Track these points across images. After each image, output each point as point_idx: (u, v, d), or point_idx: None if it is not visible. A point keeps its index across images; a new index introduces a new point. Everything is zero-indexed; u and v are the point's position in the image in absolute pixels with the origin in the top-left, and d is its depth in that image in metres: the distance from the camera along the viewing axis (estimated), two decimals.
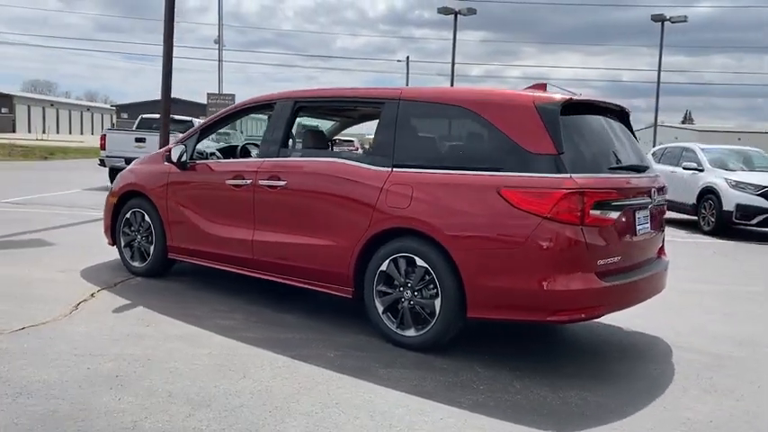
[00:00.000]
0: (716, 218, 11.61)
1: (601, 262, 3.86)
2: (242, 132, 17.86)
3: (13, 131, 61.33)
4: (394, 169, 4.33)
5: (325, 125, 6.45)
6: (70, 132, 76.10)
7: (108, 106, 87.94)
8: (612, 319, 5.13)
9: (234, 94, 44.51)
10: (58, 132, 73.42)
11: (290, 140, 5.35)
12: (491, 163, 4.02)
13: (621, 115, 4.72)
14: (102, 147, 14.74)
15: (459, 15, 33.16)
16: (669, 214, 13.35)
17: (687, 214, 12.67)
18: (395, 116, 4.46)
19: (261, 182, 4.97)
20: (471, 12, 32.96)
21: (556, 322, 3.91)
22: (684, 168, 12.75)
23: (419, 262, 4.14)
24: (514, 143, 3.94)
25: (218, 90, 43.30)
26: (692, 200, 12.26)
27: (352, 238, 4.42)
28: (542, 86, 4.62)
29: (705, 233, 11.73)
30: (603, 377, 3.98)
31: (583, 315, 3.87)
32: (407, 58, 50.27)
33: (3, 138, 41.41)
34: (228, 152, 6.06)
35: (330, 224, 4.57)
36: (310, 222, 4.70)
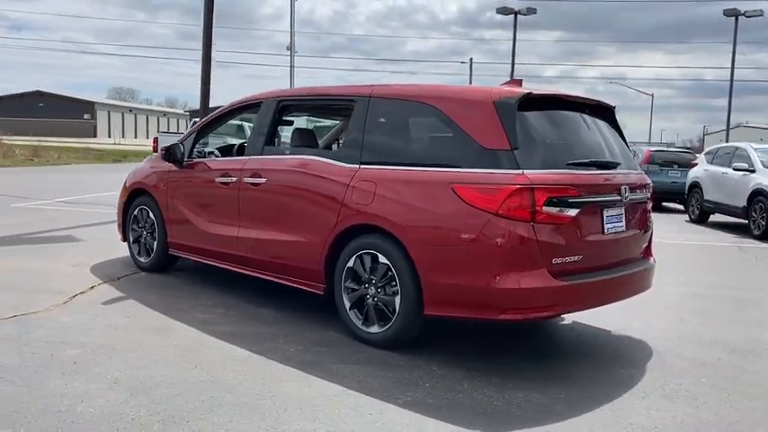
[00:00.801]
0: (766, 222, 10.99)
1: (557, 260, 3.75)
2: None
3: (94, 136, 64.63)
4: (361, 166, 4.34)
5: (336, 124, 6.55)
6: (147, 137, 79.53)
7: (182, 112, 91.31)
8: (604, 321, 5.02)
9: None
10: (135, 137, 76.90)
11: (276, 139, 5.44)
12: (449, 159, 3.98)
13: (603, 111, 4.58)
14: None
15: (523, 15, 32.71)
16: (719, 218, 12.93)
17: (737, 217, 12.06)
18: (365, 113, 4.48)
19: (245, 179, 5.09)
20: (531, 11, 32.44)
21: (508, 321, 3.82)
22: (735, 169, 12.14)
23: (381, 259, 4.13)
24: (471, 139, 3.88)
25: None
26: (742, 202, 11.66)
27: (322, 234, 4.46)
28: (518, 82, 4.52)
29: (755, 237, 11.11)
30: (564, 379, 3.85)
31: (535, 314, 3.77)
32: (470, 59, 49.91)
33: (82, 142, 43.74)
34: (228, 151, 6.21)
35: (303, 220, 4.64)
36: (286, 219, 4.78)
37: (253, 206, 5.06)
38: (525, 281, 3.66)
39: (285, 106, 5.19)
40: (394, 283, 4.08)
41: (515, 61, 33.18)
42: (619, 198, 4.09)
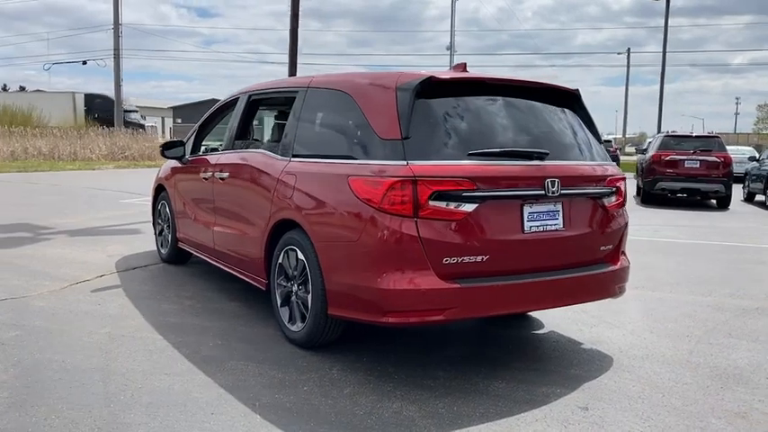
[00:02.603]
0: None
1: (449, 260, 3.38)
2: None
3: None
4: (292, 159, 4.23)
5: None
6: None
7: None
8: (578, 330, 4.51)
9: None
10: None
11: (249, 133, 5.45)
12: (353, 151, 3.75)
13: (559, 96, 4.07)
14: None
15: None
16: None
17: None
18: (301, 104, 4.36)
19: (216, 174, 5.17)
20: None
21: (394, 325, 3.50)
22: None
23: (299, 255, 4.00)
24: (371, 128, 3.62)
25: None
26: None
27: (261, 229, 4.41)
28: (461, 66, 4.16)
29: None
30: (471, 393, 3.45)
31: (421, 318, 3.41)
32: (628, 50, 46.92)
33: None
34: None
35: (248, 215, 4.63)
36: (238, 213, 4.80)
37: (220, 200, 5.13)
38: (407, 282, 3.34)
39: (254, 101, 5.19)
40: (308, 281, 3.92)
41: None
42: (542, 192, 3.59)
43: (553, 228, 3.69)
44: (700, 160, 14.52)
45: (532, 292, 3.62)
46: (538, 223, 3.63)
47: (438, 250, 3.35)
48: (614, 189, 3.99)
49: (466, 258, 3.41)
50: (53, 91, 44.96)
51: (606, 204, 3.95)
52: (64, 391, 3.32)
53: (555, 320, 4.84)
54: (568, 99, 4.13)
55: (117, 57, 35.92)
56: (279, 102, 5.20)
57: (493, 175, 3.47)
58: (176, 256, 6.37)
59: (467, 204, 3.39)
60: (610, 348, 4.28)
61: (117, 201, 12.26)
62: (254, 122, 6.08)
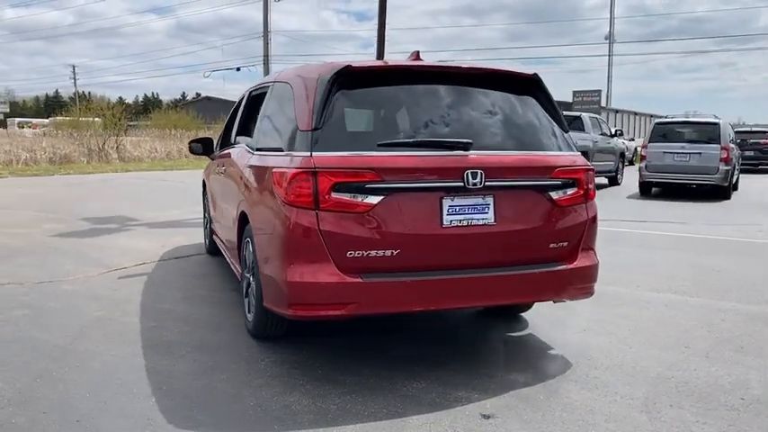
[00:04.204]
0: None
1: (353, 254, 3.28)
2: None
3: None
4: (255, 153, 4.33)
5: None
6: None
7: None
8: (559, 335, 4.24)
9: (600, 90, 43.05)
10: None
11: (248, 128, 5.60)
12: (284, 143, 3.75)
13: (509, 82, 3.81)
14: None
15: None
16: None
17: None
18: (266, 99, 4.46)
19: (219, 169, 5.41)
20: None
21: (298, 318, 3.44)
22: None
23: (250, 247, 4.09)
24: (296, 120, 3.62)
25: (607, 89, 42.39)
26: None
27: (234, 221, 4.56)
28: (415, 54, 4.03)
29: None
30: (378, 393, 3.34)
31: (323, 312, 3.33)
32: None
33: None
34: None
35: (230, 208, 4.80)
36: (227, 206, 5.00)
37: (219, 194, 5.38)
38: (308, 275, 3.29)
39: (253, 96, 5.34)
40: (255, 273, 4.00)
41: None
42: (461, 185, 3.37)
43: (481, 222, 3.45)
44: None
45: (450, 290, 3.42)
46: (461, 217, 3.41)
47: (340, 243, 3.27)
48: (566, 181, 3.65)
49: (372, 252, 3.30)
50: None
51: (555, 198, 3.62)
52: (18, 360, 3.67)
53: (542, 323, 4.53)
54: (526, 86, 3.84)
55: (266, 63, 38.28)
56: (263, 97, 5.32)
57: (401, 166, 3.32)
58: (215, 247, 6.71)
59: (371, 197, 3.28)
60: (578, 355, 3.93)
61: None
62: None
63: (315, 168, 3.27)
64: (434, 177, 3.37)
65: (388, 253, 3.32)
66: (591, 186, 3.79)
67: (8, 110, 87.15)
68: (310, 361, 3.79)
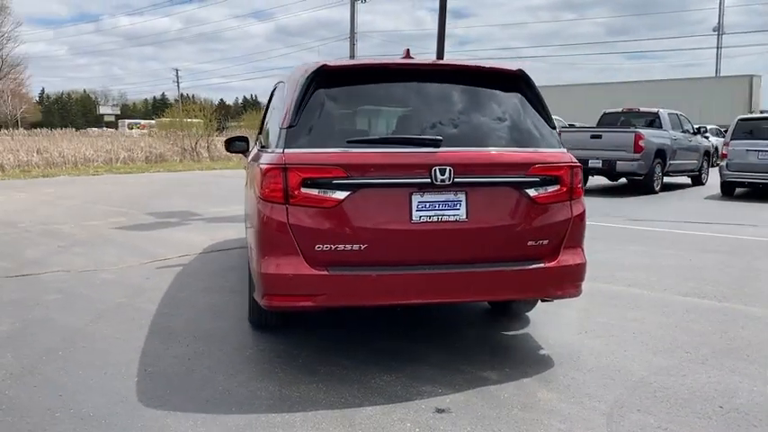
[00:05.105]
0: None
1: (321, 247, 3.37)
2: None
3: None
4: (258, 150, 4.50)
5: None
6: None
7: None
8: (557, 336, 4.22)
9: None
10: None
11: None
12: (272, 140, 3.90)
13: (490, 79, 3.79)
14: None
15: None
16: None
17: None
18: (275, 97, 4.62)
19: (246, 166, 5.64)
20: None
21: (272, 308, 3.55)
22: None
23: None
24: (280, 117, 3.76)
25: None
26: None
27: (246, 216, 4.76)
28: (405, 52, 4.07)
29: None
30: (348, 384, 3.42)
31: (293, 303, 3.44)
32: None
33: None
34: None
35: (246, 204, 5.01)
36: (246, 202, 5.21)
37: (244, 191, 5.59)
38: (279, 266, 3.41)
39: (271, 94, 5.52)
40: None
41: None
42: (429, 181, 3.38)
43: (452, 218, 3.45)
44: None
45: (419, 285, 3.44)
46: (431, 213, 3.43)
47: (309, 237, 3.37)
48: (545, 178, 3.58)
49: (341, 246, 3.38)
50: None
51: (533, 195, 3.55)
52: (33, 339, 4.02)
53: (544, 322, 4.45)
54: (512, 82, 3.80)
55: None
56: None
57: (367, 162, 3.38)
58: None
59: (339, 192, 3.35)
60: (566, 356, 3.84)
61: None
62: None
63: (285, 165, 3.38)
64: (402, 173, 3.41)
65: (356, 247, 3.39)
66: (577, 184, 3.69)
67: (119, 112, 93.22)
68: (296, 351, 3.91)
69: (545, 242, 3.61)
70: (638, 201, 12.60)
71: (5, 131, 39.43)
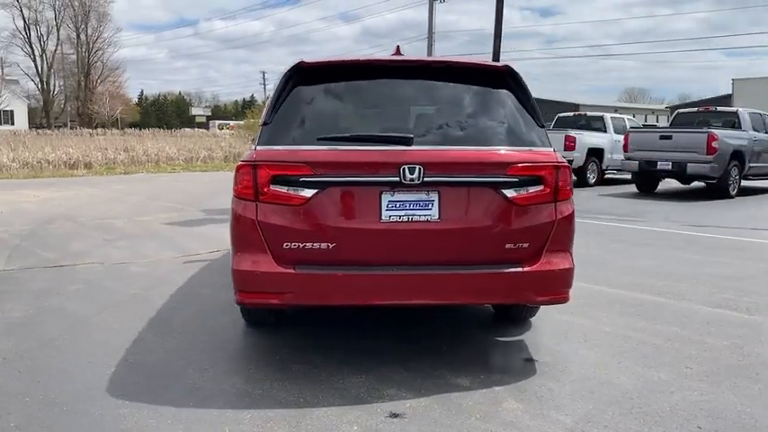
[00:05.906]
0: None
1: (289, 245, 3.35)
2: None
3: None
4: None
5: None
6: None
7: (663, 108, 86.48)
8: (552, 345, 4.07)
9: None
10: None
11: None
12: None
13: (474, 75, 3.66)
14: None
15: None
16: None
17: None
18: None
19: None
20: None
21: (240, 304, 3.57)
22: None
23: None
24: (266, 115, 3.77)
25: None
26: None
27: None
28: (396, 49, 4.01)
29: None
30: (315, 384, 3.40)
31: (262, 300, 3.44)
32: None
33: None
34: None
35: None
36: None
37: None
38: (248, 263, 3.42)
39: None
40: None
41: None
42: (398, 180, 3.29)
43: (423, 218, 3.35)
44: None
45: (388, 286, 3.36)
46: (401, 213, 3.34)
47: (277, 234, 3.36)
48: (525, 179, 3.41)
49: (308, 244, 3.36)
50: None
51: (511, 196, 3.40)
52: (40, 327, 4.24)
53: (545, 329, 4.27)
54: (498, 79, 3.65)
55: None
56: None
57: (335, 160, 3.33)
58: None
59: (306, 190, 3.33)
60: (551, 366, 3.65)
61: None
62: None
63: (255, 162, 3.39)
64: (371, 172, 3.34)
65: (324, 246, 3.35)
66: (564, 184, 3.49)
67: (210, 113, 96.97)
68: (277, 348, 3.92)
69: (525, 245, 3.45)
70: (709, 205, 11.89)
71: (101, 131, 41.92)
